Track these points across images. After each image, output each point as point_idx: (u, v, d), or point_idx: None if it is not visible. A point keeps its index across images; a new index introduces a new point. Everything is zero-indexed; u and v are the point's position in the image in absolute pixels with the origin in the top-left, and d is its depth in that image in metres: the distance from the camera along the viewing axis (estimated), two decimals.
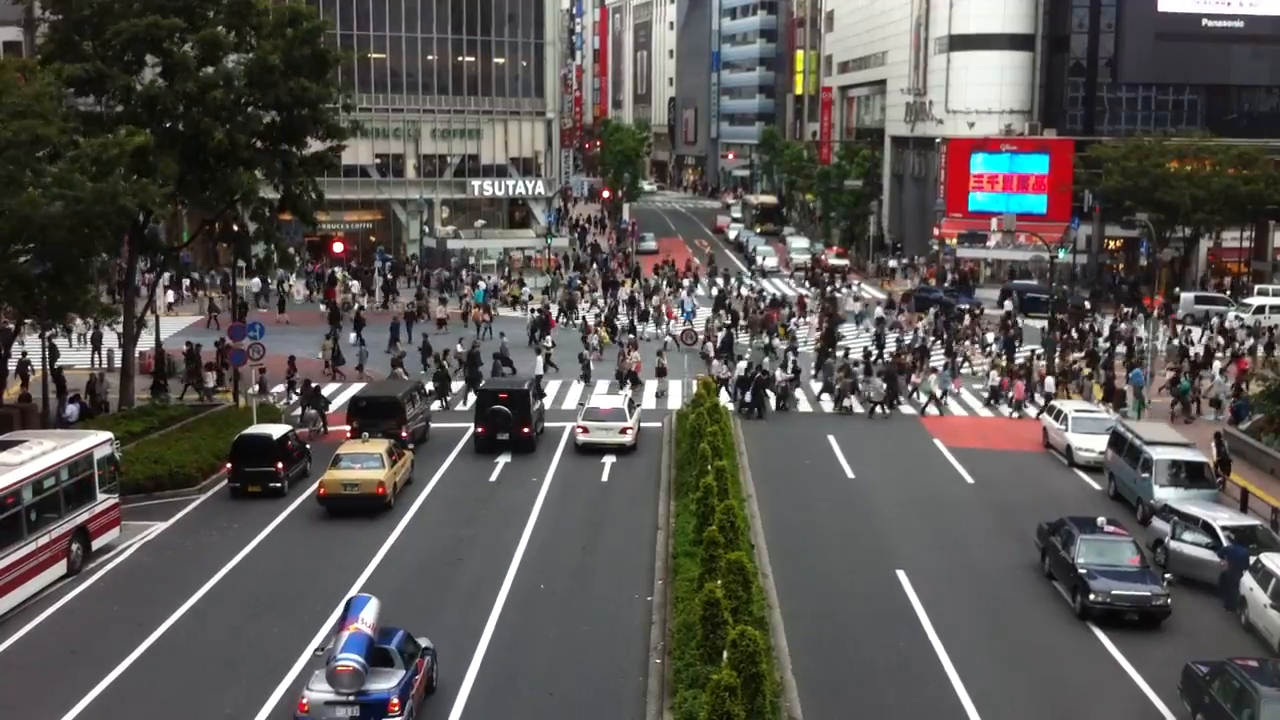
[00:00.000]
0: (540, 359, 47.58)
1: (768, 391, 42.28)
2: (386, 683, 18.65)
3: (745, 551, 23.67)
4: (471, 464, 35.56)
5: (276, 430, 33.26)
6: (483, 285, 66.07)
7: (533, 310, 59.07)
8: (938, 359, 50.57)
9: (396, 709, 18.40)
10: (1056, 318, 51.53)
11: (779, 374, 44.16)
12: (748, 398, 41.69)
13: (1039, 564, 27.31)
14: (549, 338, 51.55)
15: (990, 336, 54.11)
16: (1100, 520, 26.57)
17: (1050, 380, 45.13)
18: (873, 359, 49.14)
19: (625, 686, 20.99)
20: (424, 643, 20.45)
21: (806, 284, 74.24)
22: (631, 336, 52.47)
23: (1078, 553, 25.11)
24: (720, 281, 71.05)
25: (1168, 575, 25.52)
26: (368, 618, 19.07)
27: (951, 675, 21.77)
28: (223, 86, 37.03)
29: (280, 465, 31.99)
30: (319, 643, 21.53)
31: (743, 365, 44.98)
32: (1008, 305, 62.27)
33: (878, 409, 42.33)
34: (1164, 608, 24.15)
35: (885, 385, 42.98)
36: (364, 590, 25.01)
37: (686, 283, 70.38)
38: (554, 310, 60.91)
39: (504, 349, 46.97)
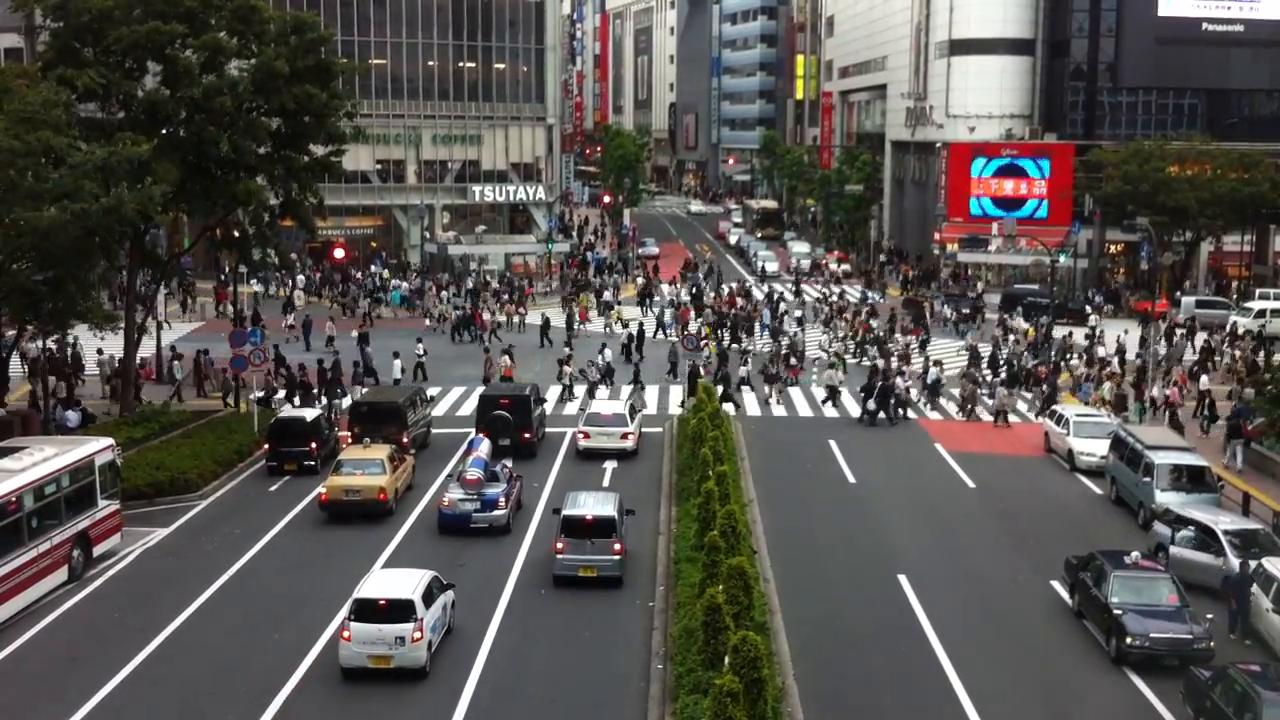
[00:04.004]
0: (397, 364, 44.95)
1: (892, 399, 41.92)
2: (496, 489, 29.40)
3: (746, 556, 23.64)
4: None
5: (310, 413, 36.00)
6: (405, 287, 64.86)
7: (456, 309, 57.20)
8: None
9: (503, 504, 29.16)
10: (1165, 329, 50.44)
11: (899, 381, 43.75)
12: (871, 405, 41.53)
13: (1065, 599, 25.61)
14: (421, 346, 47.75)
15: (1101, 351, 51.54)
16: (1134, 555, 24.71)
17: (1205, 379, 44.31)
18: (995, 368, 47.82)
19: (627, 692, 20.99)
20: (517, 473, 31.48)
21: (866, 290, 73.18)
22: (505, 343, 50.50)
23: (1111, 591, 23.15)
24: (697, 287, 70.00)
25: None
26: (483, 450, 30.39)
27: (953, 679, 21.76)
28: (228, 93, 37.02)
29: (314, 445, 34.27)
30: (450, 469, 33.25)
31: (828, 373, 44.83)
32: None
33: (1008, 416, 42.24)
34: (1206, 650, 22.09)
35: (1045, 396, 42.91)
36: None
37: (666, 288, 69.29)
38: (484, 311, 58.38)
39: (367, 357, 45.31)
